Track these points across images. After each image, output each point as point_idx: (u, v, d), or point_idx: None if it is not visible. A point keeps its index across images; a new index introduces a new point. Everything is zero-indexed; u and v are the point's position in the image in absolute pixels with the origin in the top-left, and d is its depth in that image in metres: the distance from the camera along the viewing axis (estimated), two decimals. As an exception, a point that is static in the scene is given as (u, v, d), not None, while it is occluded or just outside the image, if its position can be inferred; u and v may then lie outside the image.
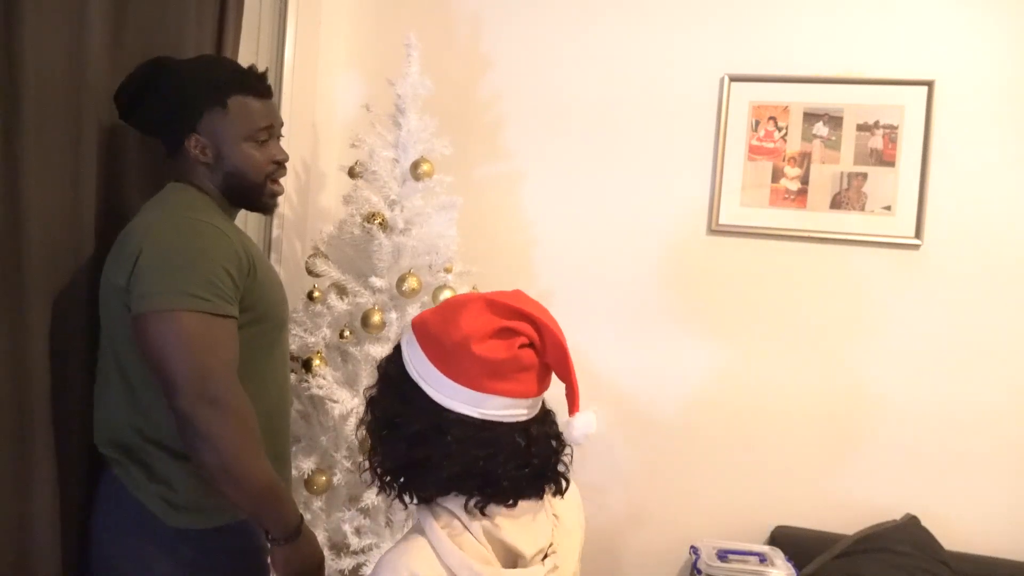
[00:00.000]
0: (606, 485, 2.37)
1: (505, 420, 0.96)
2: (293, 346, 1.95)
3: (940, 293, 2.19)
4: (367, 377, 1.91)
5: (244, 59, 1.92)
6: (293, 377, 1.95)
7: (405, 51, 2.02)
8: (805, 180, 2.26)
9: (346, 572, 1.90)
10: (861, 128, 2.23)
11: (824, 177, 2.25)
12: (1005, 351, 2.16)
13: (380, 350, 1.90)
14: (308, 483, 1.89)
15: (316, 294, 2.00)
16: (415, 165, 1.96)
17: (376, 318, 1.88)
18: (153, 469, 1.33)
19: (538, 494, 1.00)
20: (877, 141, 2.22)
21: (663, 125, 2.35)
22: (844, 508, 2.23)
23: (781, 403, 2.28)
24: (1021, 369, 2.15)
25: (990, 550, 2.13)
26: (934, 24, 2.19)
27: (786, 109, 2.27)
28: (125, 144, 1.52)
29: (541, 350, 0.97)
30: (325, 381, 1.89)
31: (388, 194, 1.97)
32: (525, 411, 0.98)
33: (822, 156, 2.25)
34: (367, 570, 1.82)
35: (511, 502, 0.97)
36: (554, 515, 1.04)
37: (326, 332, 1.95)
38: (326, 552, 1.89)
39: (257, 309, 1.38)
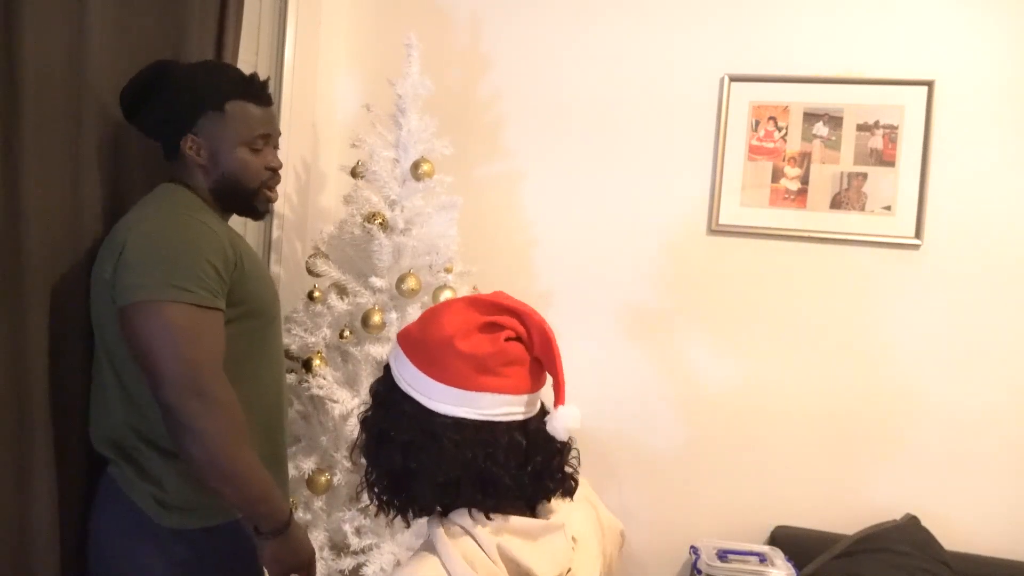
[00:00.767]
0: (605, 485, 2.36)
1: (500, 419, 0.93)
2: (293, 346, 1.95)
3: (940, 293, 2.19)
4: (367, 377, 1.91)
5: (244, 59, 1.92)
6: (293, 377, 1.95)
7: (405, 51, 2.02)
8: (805, 180, 2.26)
9: (346, 572, 1.90)
10: (861, 128, 2.23)
11: (824, 177, 2.25)
12: (1005, 351, 2.16)
13: (380, 350, 1.91)
14: (308, 483, 1.89)
15: (316, 294, 2.00)
16: (415, 165, 1.96)
17: (376, 318, 1.88)
18: (145, 468, 1.33)
19: (544, 495, 0.98)
20: (877, 141, 2.22)
21: (663, 125, 2.35)
22: (844, 508, 2.23)
23: (781, 403, 2.28)
24: (1021, 369, 2.15)
25: (990, 550, 2.13)
26: (934, 24, 2.20)
27: (786, 109, 2.27)
28: (125, 144, 1.52)
29: (529, 343, 0.95)
30: (325, 381, 1.89)
31: (388, 194, 1.97)
32: (521, 409, 0.95)
33: (822, 156, 2.25)
34: (367, 570, 1.82)
35: (520, 504, 0.94)
36: (572, 538, 1.00)
37: (326, 332, 1.95)
38: (326, 552, 1.90)
39: (246, 304, 1.38)
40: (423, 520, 0.98)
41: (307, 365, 1.92)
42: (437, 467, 0.92)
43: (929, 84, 2.18)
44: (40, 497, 1.32)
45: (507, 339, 0.94)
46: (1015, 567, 2.09)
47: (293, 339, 1.95)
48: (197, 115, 1.42)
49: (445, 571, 0.89)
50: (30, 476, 1.31)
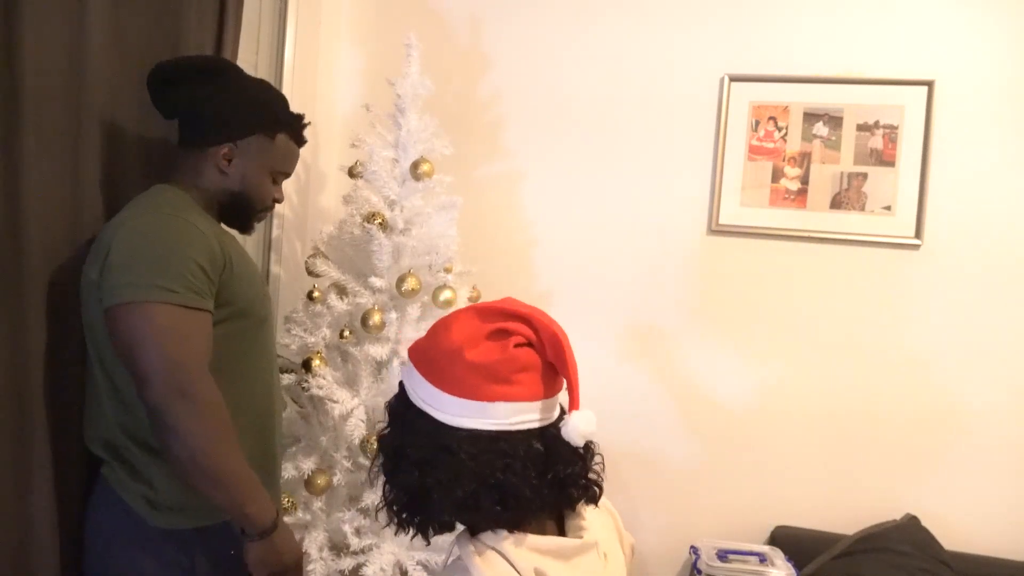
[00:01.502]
0: (605, 485, 2.36)
1: (515, 428, 0.90)
2: (293, 346, 1.95)
3: (940, 293, 2.20)
4: (367, 377, 1.91)
5: (244, 59, 1.92)
6: (293, 377, 1.95)
7: (405, 51, 2.02)
8: (805, 180, 2.26)
9: (346, 572, 1.90)
10: (861, 128, 2.23)
11: (824, 177, 2.25)
12: (1005, 351, 2.16)
13: (380, 350, 1.91)
14: (308, 483, 1.89)
15: (316, 294, 2.00)
16: (415, 165, 1.96)
17: (376, 318, 1.88)
18: (136, 468, 1.33)
19: (568, 503, 0.96)
20: (877, 141, 2.22)
21: (663, 125, 2.35)
22: (844, 508, 2.23)
23: (781, 403, 2.28)
24: (1021, 369, 2.15)
25: (990, 550, 2.13)
26: (934, 24, 2.20)
27: (786, 109, 2.27)
28: (125, 144, 1.52)
29: (540, 348, 0.93)
30: (325, 381, 1.89)
31: (388, 194, 1.97)
32: (536, 416, 0.92)
33: (822, 156, 2.25)
34: (367, 570, 1.81)
35: (544, 516, 0.92)
36: (604, 554, 0.98)
37: (326, 332, 1.95)
38: (326, 552, 1.90)
39: (235, 304, 1.38)
40: (443, 537, 0.96)
41: (307, 365, 1.91)
42: (454, 482, 0.90)
43: (929, 84, 2.18)
44: (39, 497, 1.32)
45: (516, 345, 0.91)
46: (1015, 567, 2.09)
47: (293, 339, 1.95)
48: (249, 132, 1.46)
49: None
50: (29, 476, 1.31)
